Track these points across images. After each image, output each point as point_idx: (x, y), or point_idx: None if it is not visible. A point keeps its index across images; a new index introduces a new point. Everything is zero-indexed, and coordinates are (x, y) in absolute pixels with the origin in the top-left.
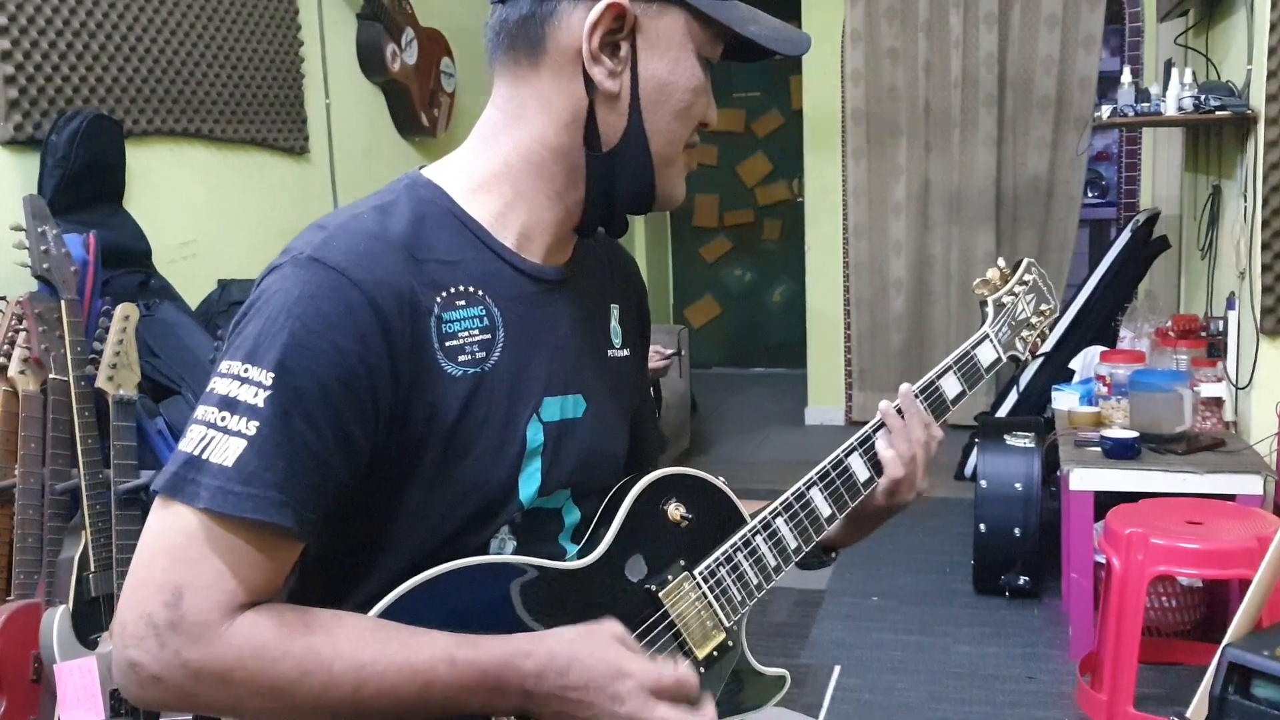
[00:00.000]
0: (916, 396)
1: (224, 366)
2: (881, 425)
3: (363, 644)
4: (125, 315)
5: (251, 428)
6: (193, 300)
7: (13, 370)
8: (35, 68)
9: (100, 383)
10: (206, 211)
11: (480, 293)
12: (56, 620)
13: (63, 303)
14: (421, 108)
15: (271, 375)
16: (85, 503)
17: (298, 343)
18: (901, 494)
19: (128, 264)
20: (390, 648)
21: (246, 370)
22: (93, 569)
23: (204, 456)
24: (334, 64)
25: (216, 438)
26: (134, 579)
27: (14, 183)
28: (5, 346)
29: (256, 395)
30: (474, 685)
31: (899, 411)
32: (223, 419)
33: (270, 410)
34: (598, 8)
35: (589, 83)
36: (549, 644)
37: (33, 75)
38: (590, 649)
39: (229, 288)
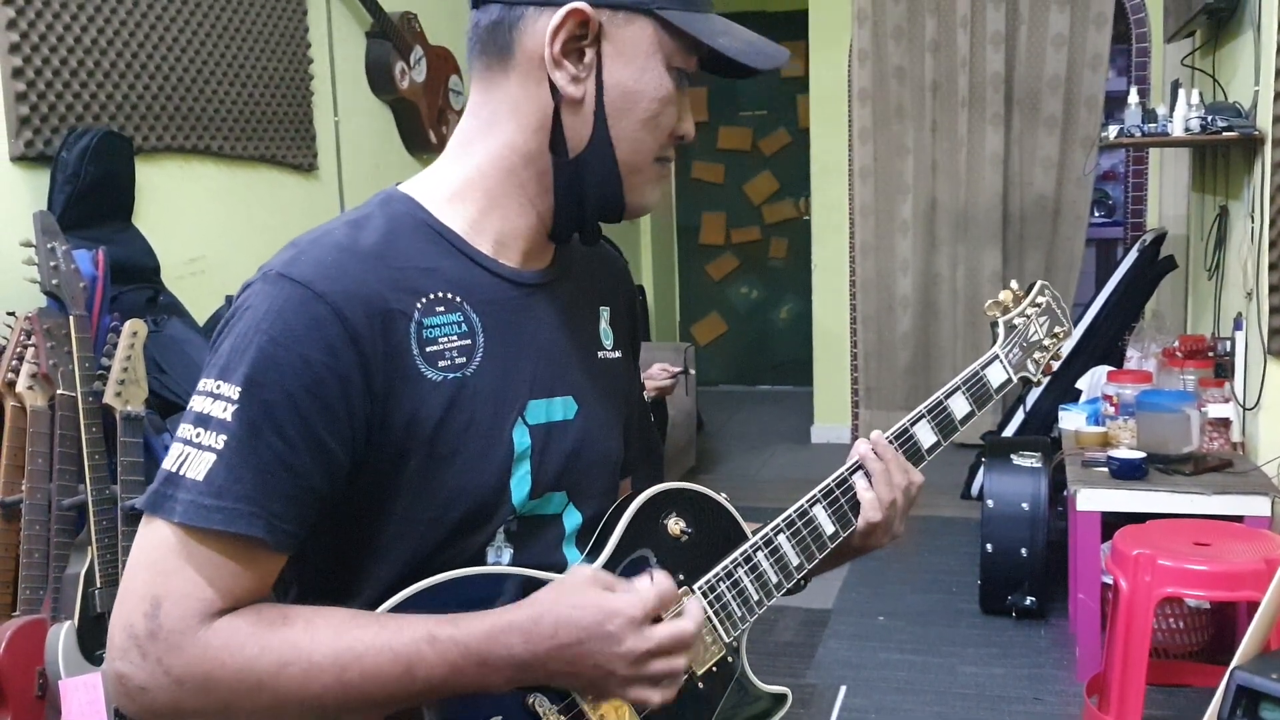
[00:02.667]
0: (923, 418)
1: (200, 385)
2: (859, 468)
3: (342, 632)
4: (133, 331)
5: (220, 442)
6: (201, 316)
7: (21, 386)
8: (46, 85)
9: (108, 398)
10: (215, 228)
11: (458, 299)
12: (62, 636)
13: (71, 318)
14: (430, 125)
15: (239, 390)
16: (92, 519)
17: (265, 356)
18: (876, 537)
19: (136, 280)
20: (369, 632)
21: (218, 387)
22: (99, 585)
23: (179, 472)
24: (343, 81)
25: (191, 453)
26: (119, 594)
27: (24, 199)
28: (14, 362)
29: (225, 410)
30: (459, 662)
31: (876, 455)
32: (196, 435)
33: (238, 424)
34: (560, 13)
35: (554, 88)
36: (528, 610)
37: (43, 92)
38: (571, 602)
39: (236, 295)
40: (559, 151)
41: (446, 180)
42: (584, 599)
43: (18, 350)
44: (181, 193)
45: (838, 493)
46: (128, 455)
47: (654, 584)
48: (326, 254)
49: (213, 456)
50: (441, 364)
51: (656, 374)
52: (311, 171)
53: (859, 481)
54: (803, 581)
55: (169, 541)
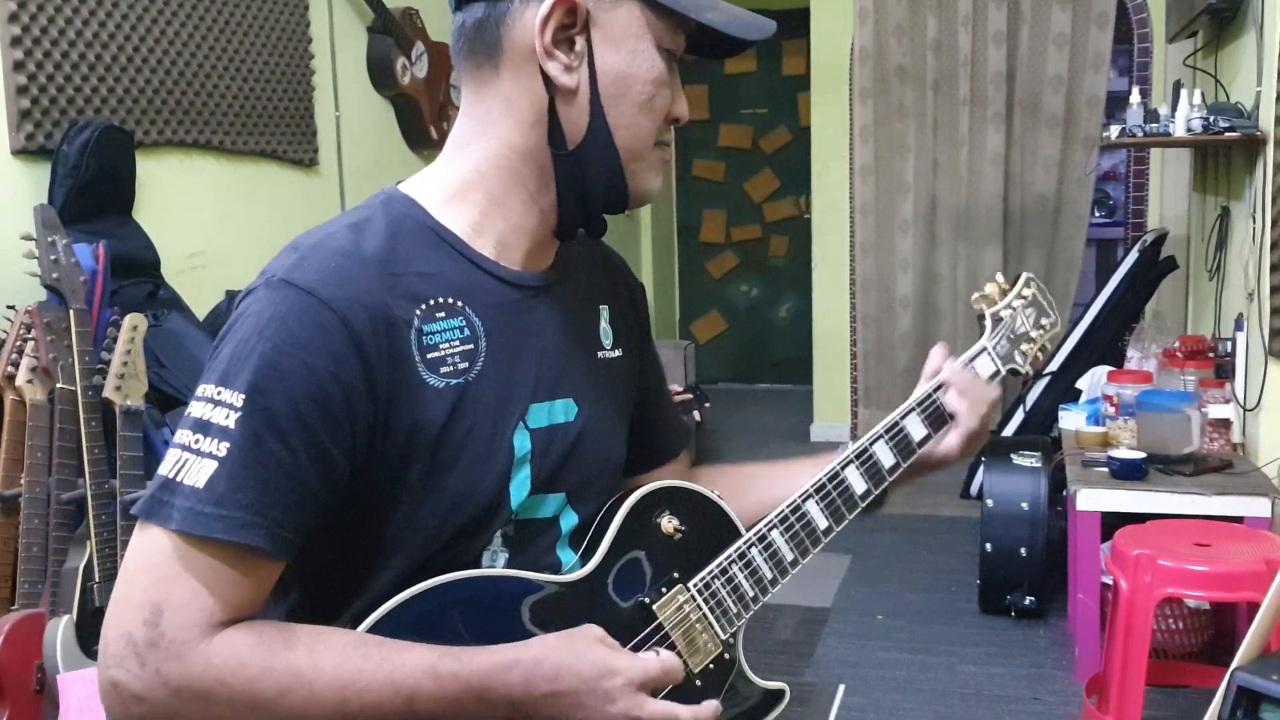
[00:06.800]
0: (913, 411)
1: (200, 390)
2: (932, 393)
3: (344, 660)
4: (133, 325)
5: (222, 449)
6: (201, 311)
7: (20, 379)
8: (47, 78)
9: (108, 393)
10: (215, 223)
11: (459, 303)
12: (60, 630)
13: (71, 312)
14: (431, 121)
15: (242, 397)
16: (91, 513)
17: (269, 364)
18: (977, 442)
19: (136, 274)
20: (372, 663)
21: (219, 393)
22: (97, 579)
23: (177, 479)
24: (344, 77)
25: (190, 460)
26: (115, 600)
27: (25, 192)
28: (13, 356)
29: (228, 417)
30: (459, 697)
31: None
32: (195, 441)
33: (240, 432)
34: (547, 3)
35: (547, 80)
36: (534, 651)
37: (45, 86)
38: (576, 652)
39: (237, 299)
40: (558, 144)
41: (446, 181)
42: (589, 652)
43: (17, 344)
44: (182, 187)
45: (829, 487)
46: (127, 450)
47: (661, 658)
48: (330, 259)
49: (214, 464)
50: (444, 370)
51: None
52: (312, 167)
53: (951, 394)
54: (883, 496)
55: (166, 549)
